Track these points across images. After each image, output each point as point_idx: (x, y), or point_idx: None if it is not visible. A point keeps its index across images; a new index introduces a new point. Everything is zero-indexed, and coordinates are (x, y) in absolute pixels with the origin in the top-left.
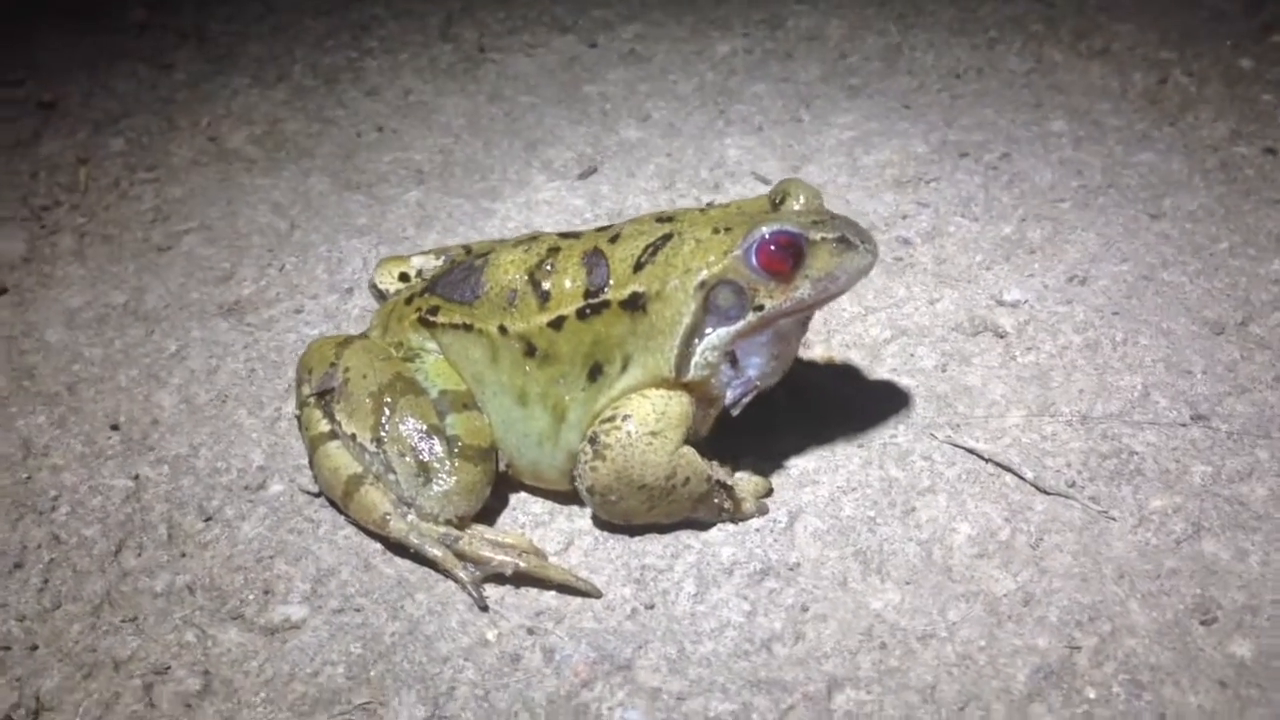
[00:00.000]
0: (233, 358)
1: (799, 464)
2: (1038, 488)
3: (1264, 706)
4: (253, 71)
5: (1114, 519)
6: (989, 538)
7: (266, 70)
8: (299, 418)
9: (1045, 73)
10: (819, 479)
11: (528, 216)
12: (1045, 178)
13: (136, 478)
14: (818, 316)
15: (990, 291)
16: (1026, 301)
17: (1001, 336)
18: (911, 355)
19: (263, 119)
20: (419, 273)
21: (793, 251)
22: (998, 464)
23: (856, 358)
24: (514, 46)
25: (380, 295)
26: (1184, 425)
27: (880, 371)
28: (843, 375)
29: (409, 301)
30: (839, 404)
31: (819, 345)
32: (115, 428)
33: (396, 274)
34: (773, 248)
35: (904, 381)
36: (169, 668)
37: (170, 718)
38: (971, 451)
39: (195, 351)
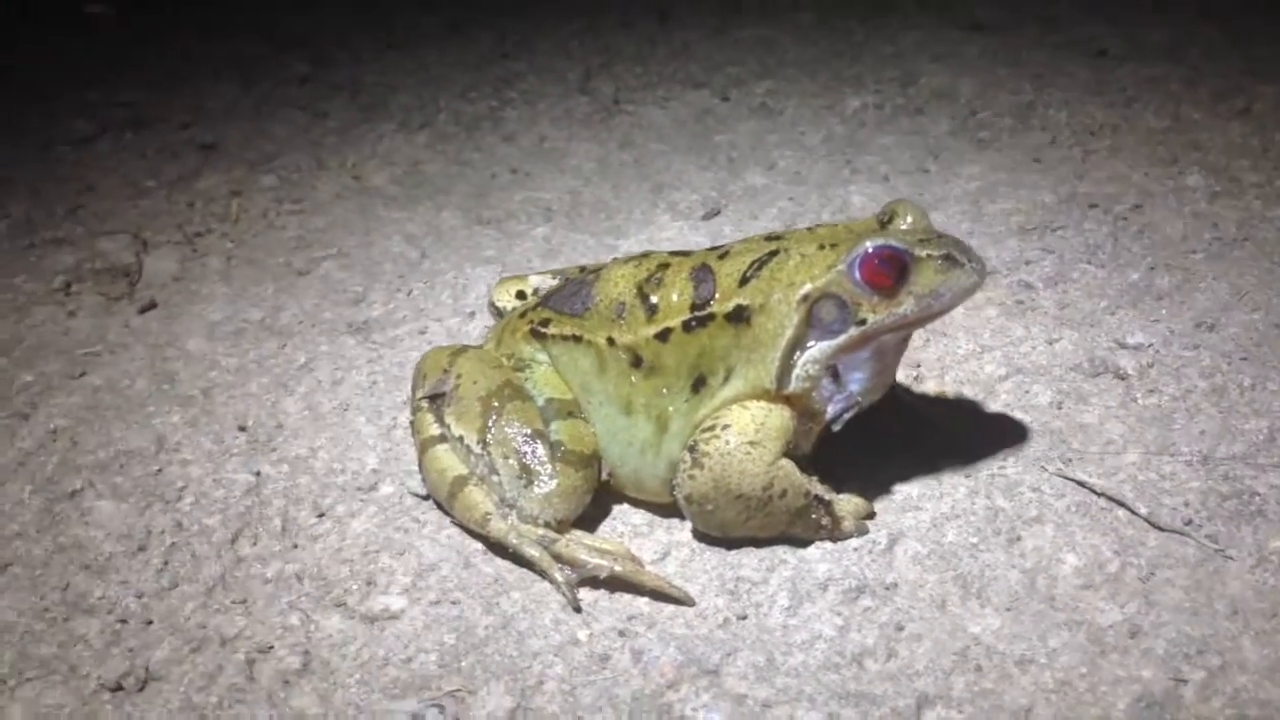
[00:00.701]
0: (357, 371)
1: (903, 490)
2: (1151, 524)
3: None
4: (400, 119)
5: (1231, 558)
6: (1097, 569)
7: (412, 118)
8: (412, 421)
9: (1182, 131)
10: (922, 505)
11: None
12: (1177, 229)
13: (258, 474)
14: (932, 352)
15: (1113, 334)
16: (1151, 345)
17: (1122, 378)
18: (1026, 393)
19: (404, 160)
20: (535, 291)
21: (897, 266)
22: (1110, 498)
23: (970, 393)
24: (648, 100)
25: (499, 313)
26: None
27: (993, 406)
28: (954, 409)
29: (523, 315)
30: (948, 435)
31: (932, 380)
32: (243, 429)
33: (514, 292)
34: (877, 262)
35: (1017, 416)
36: (272, 647)
37: (269, 692)
38: (1082, 485)
39: (322, 364)
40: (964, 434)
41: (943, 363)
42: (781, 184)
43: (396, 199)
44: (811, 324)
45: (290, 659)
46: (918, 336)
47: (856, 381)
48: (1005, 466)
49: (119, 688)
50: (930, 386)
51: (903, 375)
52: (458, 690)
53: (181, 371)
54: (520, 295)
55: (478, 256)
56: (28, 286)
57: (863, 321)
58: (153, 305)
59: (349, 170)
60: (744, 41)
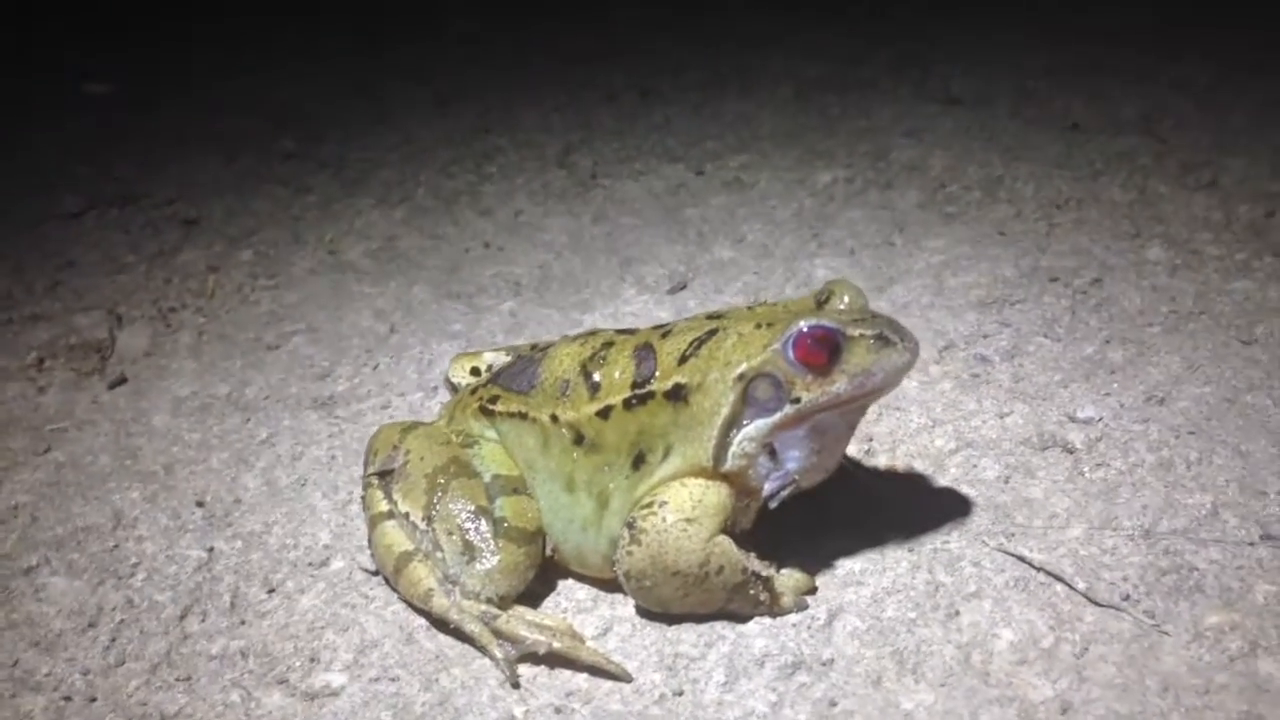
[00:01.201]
0: (316, 445)
1: (846, 564)
2: (1089, 599)
3: None
4: (379, 194)
5: (1167, 634)
6: (1032, 645)
7: (392, 193)
8: (363, 497)
9: (1148, 204)
10: (864, 580)
11: (613, 326)
12: (1135, 302)
13: (211, 550)
14: (885, 426)
15: (1064, 408)
16: (1101, 419)
17: (1071, 452)
18: (975, 466)
19: (380, 235)
20: (489, 367)
21: (829, 346)
22: (1049, 573)
23: (919, 466)
24: (624, 173)
25: (454, 389)
26: (1252, 544)
27: (941, 481)
28: (902, 483)
29: (474, 392)
30: (895, 510)
31: (883, 454)
32: (200, 504)
33: (469, 368)
34: (810, 341)
35: (964, 490)
36: None
37: None
38: (1022, 559)
39: (283, 439)
40: (910, 509)
41: (894, 436)
42: (748, 258)
43: (369, 274)
44: (748, 402)
45: None
46: (871, 411)
47: (794, 460)
48: (949, 541)
49: None
50: (881, 461)
51: (854, 449)
52: None
53: (145, 447)
54: (475, 371)
55: (445, 331)
56: (1, 362)
57: (797, 400)
58: (122, 380)
59: (325, 245)
60: (723, 116)
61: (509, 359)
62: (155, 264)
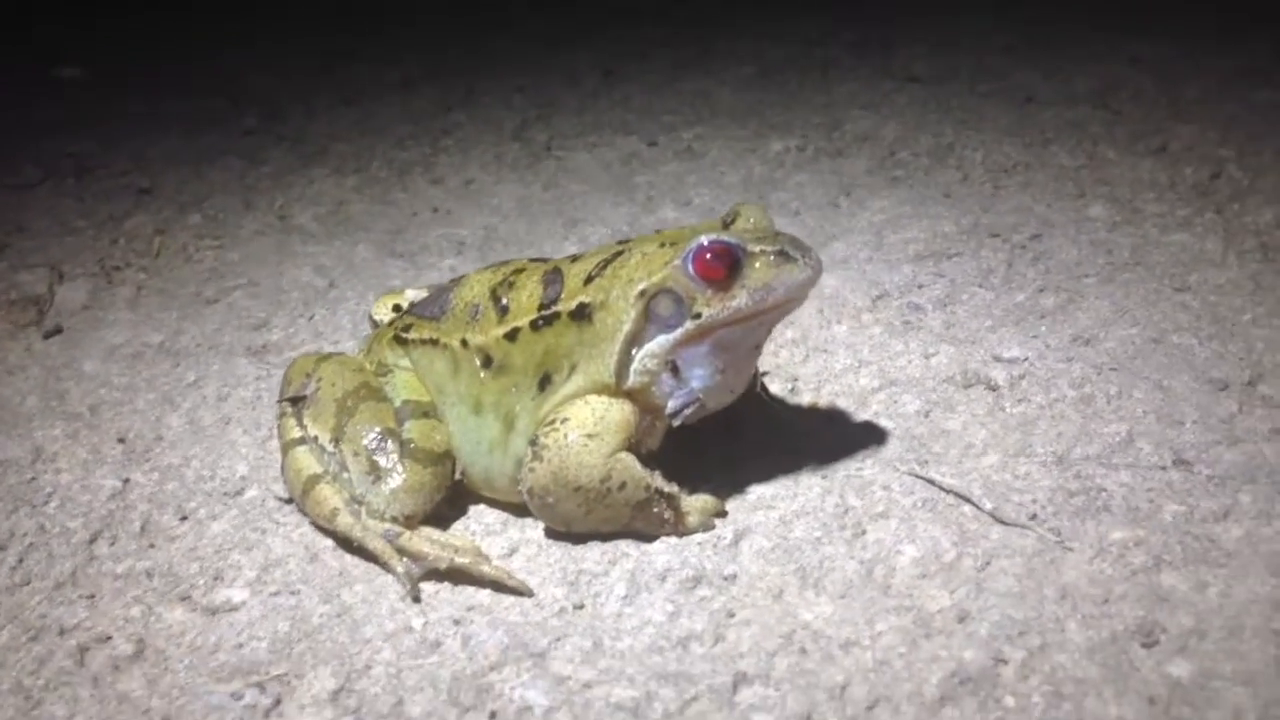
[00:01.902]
0: (244, 387)
1: (757, 490)
2: (995, 518)
3: None
4: (334, 165)
5: (1071, 549)
6: (934, 559)
7: (346, 164)
8: (277, 426)
9: (1095, 169)
10: (774, 504)
11: None
12: (1072, 255)
13: (126, 481)
14: (811, 367)
15: (991, 350)
16: (1026, 359)
17: (993, 389)
18: (895, 402)
19: (330, 201)
20: (411, 304)
21: (728, 260)
22: (957, 494)
23: (842, 404)
24: (579, 146)
25: (376, 326)
26: (1164, 468)
27: (861, 416)
28: (823, 418)
29: (391, 325)
30: (812, 441)
31: (808, 393)
32: (122, 441)
33: (391, 306)
34: (709, 255)
35: (883, 424)
36: (110, 637)
37: (95, 677)
38: (931, 482)
39: (211, 382)
40: (827, 440)
41: (820, 377)
42: (693, 218)
43: (315, 235)
44: (650, 319)
45: (124, 647)
46: (798, 353)
47: (698, 378)
48: (862, 468)
49: None
50: (805, 399)
51: (778, 388)
52: (284, 674)
53: (72, 390)
54: (397, 309)
55: (384, 286)
56: None
57: (698, 315)
58: (58, 331)
59: (275, 211)
60: (683, 93)
61: (427, 293)
62: (104, 228)
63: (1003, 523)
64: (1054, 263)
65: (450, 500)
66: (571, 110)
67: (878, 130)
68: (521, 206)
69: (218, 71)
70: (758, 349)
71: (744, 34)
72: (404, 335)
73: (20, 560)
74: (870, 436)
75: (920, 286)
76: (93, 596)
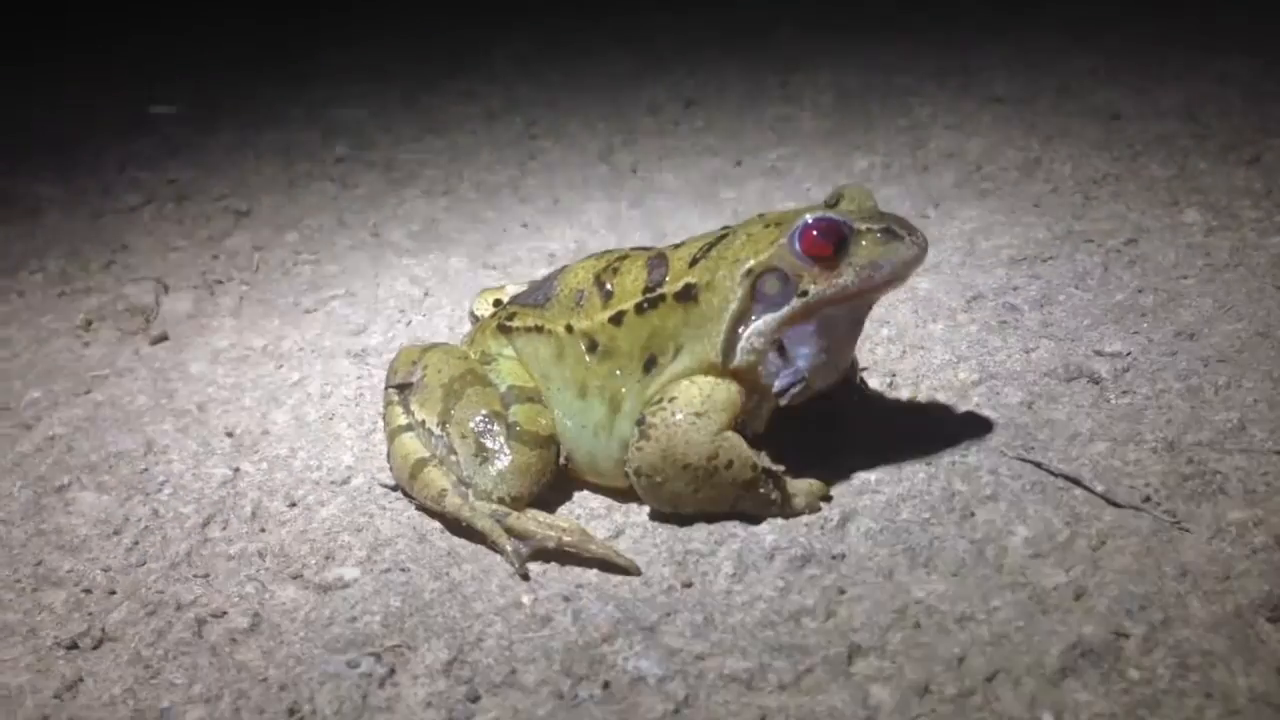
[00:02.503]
0: (345, 386)
1: (862, 475)
2: (1108, 500)
3: None
4: (424, 187)
5: (1188, 530)
6: (1047, 539)
7: (436, 186)
8: (383, 414)
9: (1187, 178)
10: (880, 489)
11: None
12: (1169, 257)
13: (236, 470)
14: (909, 363)
15: (1092, 345)
16: (1129, 353)
17: (1096, 382)
18: (997, 394)
19: (421, 219)
20: (513, 297)
21: (835, 237)
22: (1067, 477)
23: (942, 397)
24: (664, 168)
25: (477, 321)
26: (1278, 453)
27: (963, 407)
28: (923, 409)
29: (494, 317)
30: (914, 431)
31: (906, 388)
32: (230, 435)
33: (492, 301)
34: (815, 233)
35: (985, 414)
36: (225, 612)
37: (214, 647)
38: (1039, 466)
39: (314, 381)
40: (930, 429)
41: (918, 372)
42: None
43: (409, 250)
44: (756, 298)
45: (240, 620)
46: (895, 349)
47: (803, 357)
48: (967, 455)
49: (74, 645)
50: (904, 393)
51: (877, 383)
52: (398, 645)
53: (181, 390)
54: (498, 304)
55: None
56: (52, 324)
57: (804, 293)
58: (164, 338)
59: (369, 229)
60: (764, 119)
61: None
62: (205, 247)
63: (1116, 505)
64: (1151, 265)
65: (555, 486)
66: (654, 135)
67: (962, 147)
68: (610, 222)
69: (306, 106)
70: (859, 326)
71: (821, 65)
72: (508, 324)
73: (136, 542)
74: (973, 426)
75: (1015, 288)
76: (207, 575)
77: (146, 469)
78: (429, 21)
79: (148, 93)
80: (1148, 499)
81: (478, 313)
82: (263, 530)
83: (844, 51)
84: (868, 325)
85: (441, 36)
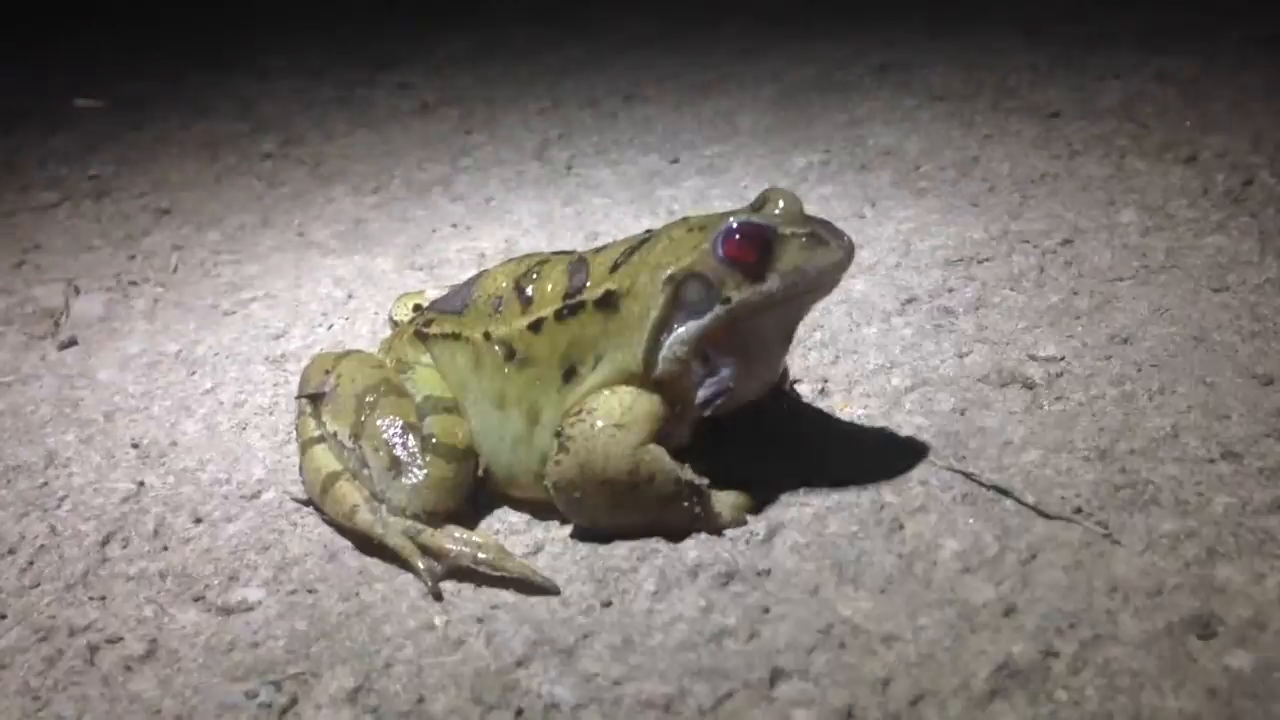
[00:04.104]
0: (261, 394)
1: (789, 486)
2: (1039, 511)
3: (1258, 717)
4: (353, 184)
5: (1119, 543)
6: (976, 553)
7: (365, 184)
8: (296, 425)
9: (1124, 178)
10: (808, 501)
11: None
12: (1105, 258)
13: (141, 484)
14: (841, 368)
15: (1026, 349)
16: (1063, 358)
17: (1030, 387)
18: (929, 401)
19: (348, 219)
20: (432, 302)
21: (759, 242)
22: (998, 489)
23: (874, 403)
24: (600, 164)
25: (396, 326)
26: (1212, 461)
27: (895, 415)
28: (855, 417)
29: (411, 322)
30: (845, 439)
31: (839, 393)
32: (136, 446)
33: (411, 306)
34: (739, 238)
35: (917, 421)
36: (121, 638)
37: (106, 677)
38: (970, 477)
39: (228, 389)
40: (860, 438)
41: (850, 378)
42: None
43: (334, 250)
44: (678, 305)
45: (136, 646)
46: (827, 354)
47: (728, 366)
48: (897, 465)
49: None
50: (836, 399)
51: (808, 389)
52: (301, 673)
53: (87, 398)
54: (417, 309)
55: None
56: None
57: (727, 300)
58: (73, 342)
59: (294, 229)
60: (703, 115)
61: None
62: (122, 246)
63: (1046, 516)
64: (1087, 266)
65: (472, 499)
66: (591, 131)
67: (901, 145)
68: (542, 221)
69: (235, 99)
70: (789, 336)
71: (763, 59)
72: (425, 331)
73: (30, 563)
74: (904, 434)
75: (950, 290)
76: (104, 598)
77: (46, 483)
78: (364, 13)
79: (71, 85)
80: (1079, 510)
81: (396, 318)
82: (165, 549)
83: (785, 46)
84: (800, 328)
85: (376, 28)
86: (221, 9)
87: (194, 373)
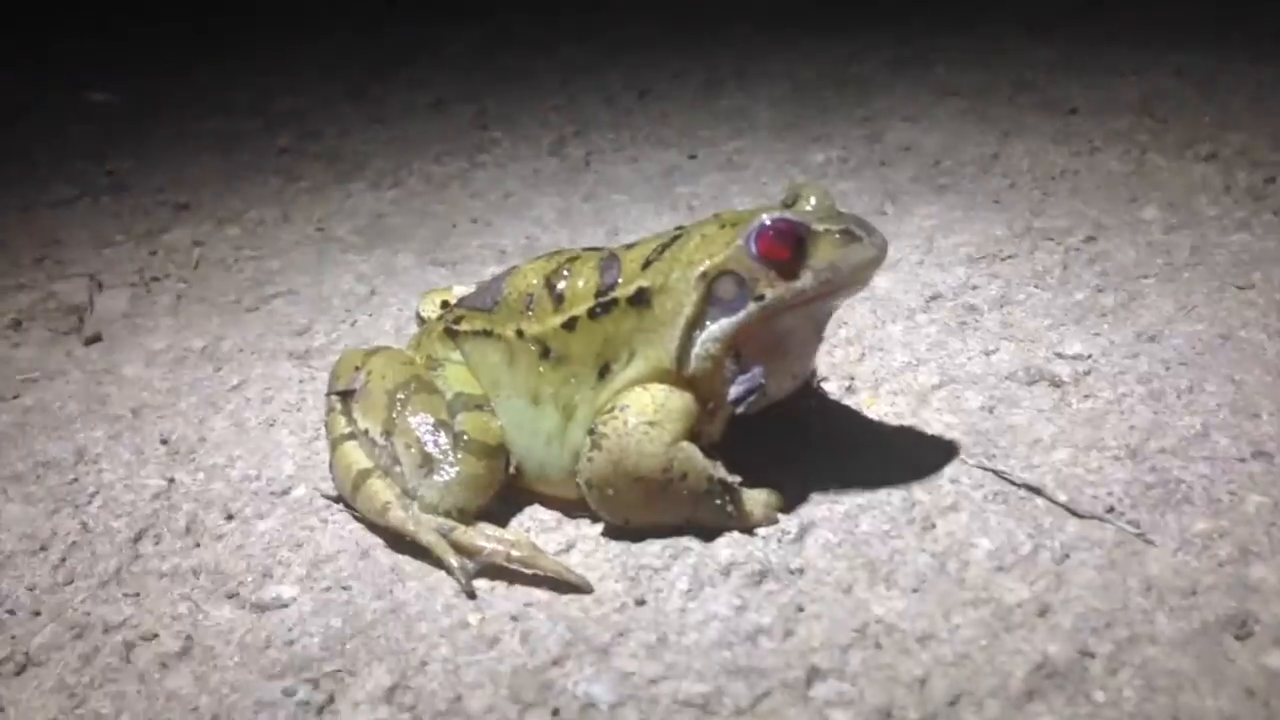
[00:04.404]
0: (288, 390)
1: (820, 484)
2: (1071, 510)
3: None
4: (371, 179)
5: (1152, 542)
6: (1010, 552)
7: (383, 179)
8: (325, 422)
9: (1146, 175)
10: (839, 499)
11: None
12: (1129, 256)
13: (171, 480)
14: (868, 365)
15: (1053, 347)
16: (1090, 355)
17: (1058, 385)
18: (958, 399)
19: (368, 213)
20: (460, 299)
21: (792, 240)
22: (1029, 487)
23: (901, 401)
24: (618, 160)
25: (423, 323)
26: (1243, 460)
27: (923, 412)
28: (883, 415)
29: (440, 319)
30: (873, 436)
31: (865, 391)
32: (165, 442)
33: (439, 302)
34: (772, 235)
35: (945, 419)
36: (156, 635)
37: (142, 674)
38: (1001, 475)
39: (254, 385)
40: (889, 435)
41: (877, 375)
42: None
43: (355, 246)
44: (711, 302)
45: (171, 644)
46: (854, 351)
47: (760, 363)
48: (927, 463)
49: None
50: (863, 397)
51: (835, 387)
52: (338, 670)
53: (114, 394)
54: (445, 305)
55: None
56: None
57: (761, 297)
58: (98, 338)
59: (314, 224)
60: (719, 110)
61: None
62: (142, 241)
63: (1078, 515)
64: (1111, 264)
65: (504, 497)
66: (608, 127)
67: (920, 141)
68: (562, 217)
69: (250, 93)
70: (819, 332)
71: (775, 55)
72: (455, 328)
73: (63, 559)
74: (933, 431)
75: (974, 288)
76: (138, 595)
77: (76, 479)
78: (379, 9)
79: (87, 79)
80: (1111, 509)
81: (424, 314)
82: (197, 545)
83: (800, 41)
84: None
85: (392, 24)
86: (231, 4)
87: (220, 369)
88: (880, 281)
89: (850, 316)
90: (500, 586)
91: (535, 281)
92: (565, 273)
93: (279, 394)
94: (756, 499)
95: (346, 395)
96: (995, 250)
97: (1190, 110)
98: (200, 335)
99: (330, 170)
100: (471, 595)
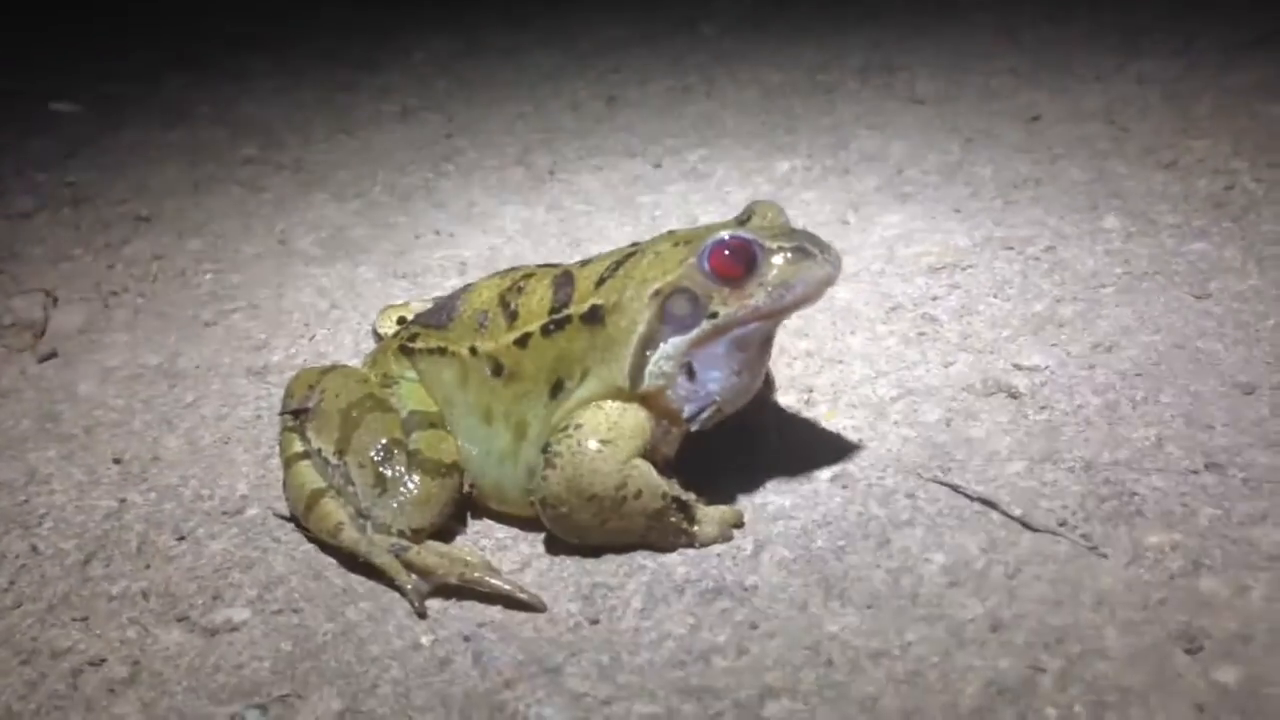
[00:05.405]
0: (244, 407)
1: (776, 501)
2: (1024, 524)
3: None
4: (334, 191)
5: (1105, 555)
6: (963, 567)
7: (347, 190)
8: (279, 441)
9: (1106, 182)
10: (794, 515)
11: None
12: (1088, 265)
13: (123, 501)
14: (826, 378)
15: (1011, 359)
16: (1047, 366)
17: (1015, 397)
18: (915, 411)
19: (331, 225)
20: (416, 315)
21: (745, 257)
22: (984, 501)
23: (859, 414)
24: (582, 169)
25: (379, 339)
26: (1195, 472)
27: (881, 425)
28: (841, 428)
29: (395, 336)
30: (831, 452)
31: (824, 404)
32: (118, 461)
33: (395, 319)
34: (725, 252)
35: (903, 432)
36: (104, 660)
37: (89, 700)
38: (956, 489)
39: (210, 402)
40: (846, 450)
41: (835, 388)
42: None
43: (317, 258)
44: (664, 320)
45: (119, 669)
46: (813, 364)
47: (714, 380)
48: (884, 477)
49: None
50: (822, 409)
51: (793, 400)
52: (287, 695)
53: (67, 412)
54: (401, 321)
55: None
56: None
57: (714, 315)
58: (53, 355)
59: (276, 236)
60: (686, 118)
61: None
62: (101, 255)
63: (1032, 529)
64: (1070, 273)
65: (458, 515)
66: (574, 135)
67: (884, 149)
68: (525, 228)
69: (214, 103)
70: (769, 345)
71: (744, 61)
72: (410, 345)
73: (11, 582)
74: (891, 445)
75: (935, 298)
76: (86, 619)
77: (27, 500)
78: (344, 16)
79: (48, 88)
80: (1064, 523)
81: (381, 330)
82: (148, 567)
83: (765, 48)
84: (785, 338)
85: (358, 33)
86: (197, 9)
87: (175, 386)
88: (841, 293)
89: (810, 328)
90: (454, 606)
91: (490, 298)
92: (520, 289)
93: (234, 411)
94: (712, 516)
95: (300, 414)
96: (956, 260)
97: (1153, 117)
98: (156, 351)
99: (294, 181)
100: (424, 616)
